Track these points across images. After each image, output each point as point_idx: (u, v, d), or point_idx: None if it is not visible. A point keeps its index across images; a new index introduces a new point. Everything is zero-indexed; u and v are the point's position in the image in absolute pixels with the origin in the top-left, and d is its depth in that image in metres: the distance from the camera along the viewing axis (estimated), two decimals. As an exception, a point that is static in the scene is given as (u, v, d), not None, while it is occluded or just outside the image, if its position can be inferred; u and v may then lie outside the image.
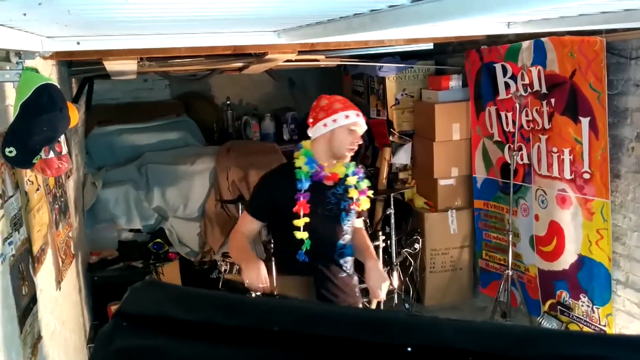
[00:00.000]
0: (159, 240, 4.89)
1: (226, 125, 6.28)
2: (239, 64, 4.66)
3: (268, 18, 1.78)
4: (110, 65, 4.04)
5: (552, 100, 3.77)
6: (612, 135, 3.47)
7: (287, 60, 4.48)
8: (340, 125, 2.47)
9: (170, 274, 4.74)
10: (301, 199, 2.49)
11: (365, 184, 2.68)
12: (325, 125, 2.50)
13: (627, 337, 1.24)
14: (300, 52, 4.22)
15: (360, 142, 2.59)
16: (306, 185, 2.51)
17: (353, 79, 5.99)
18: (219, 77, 5.69)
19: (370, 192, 2.72)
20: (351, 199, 2.61)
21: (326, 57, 4.56)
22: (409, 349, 0.74)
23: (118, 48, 2.23)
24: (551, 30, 2.42)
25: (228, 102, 6.27)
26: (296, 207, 2.48)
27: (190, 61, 4.51)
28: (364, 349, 0.77)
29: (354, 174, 2.64)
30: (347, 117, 2.49)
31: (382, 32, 2.31)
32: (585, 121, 3.53)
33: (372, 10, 1.53)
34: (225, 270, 4.25)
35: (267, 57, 4.04)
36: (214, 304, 0.91)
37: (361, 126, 2.58)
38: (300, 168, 2.54)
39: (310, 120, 2.61)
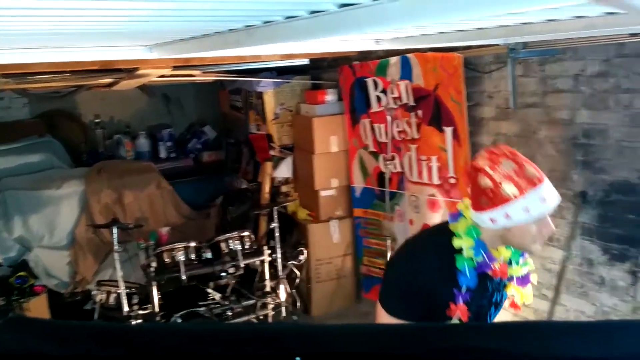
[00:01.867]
0: (22, 273, 4.44)
1: (96, 145, 5.89)
2: (108, 80, 4.41)
3: (138, 32, 1.70)
4: (-46, 81, 3.61)
5: (419, 112, 4.04)
6: (472, 143, 3.80)
7: (161, 76, 4.33)
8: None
9: (37, 309, 4.31)
10: (460, 300, 1.72)
11: (527, 268, 1.91)
12: (527, 210, 1.64)
13: (500, 325, 1.33)
14: (174, 68, 4.10)
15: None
16: (472, 282, 1.72)
17: (231, 94, 5.94)
18: (86, 94, 5.33)
19: (534, 279, 1.94)
20: (505, 291, 1.90)
21: (202, 72, 4.48)
22: (298, 358, 0.74)
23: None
24: (415, 47, 2.61)
25: (97, 120, 5.90)
26: (452, 310, 1.72)
27: (53, 77, 4.17)
28: None
29: (518, 262, 1.86)
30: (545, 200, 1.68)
31: (258, 47, 2.32)
32: (448, 130, 3.83)
33: (247, 26, 1.54)
34: (101, 300, 3.96)
35: (138, 72, 3.87)
36: (90, 334, 0.84)
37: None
38: (461, 252, 1.75)
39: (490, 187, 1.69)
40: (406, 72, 4.07)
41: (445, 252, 1.75)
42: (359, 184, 4.89)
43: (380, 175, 4.61)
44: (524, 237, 1.69)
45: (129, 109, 6.18)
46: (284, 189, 5.37)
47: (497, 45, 3.24)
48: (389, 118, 4.29)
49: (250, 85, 5.14)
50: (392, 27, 1.07)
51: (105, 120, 6.05)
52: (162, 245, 4.17)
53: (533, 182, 1.66)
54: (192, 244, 4.04)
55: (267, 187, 5.23)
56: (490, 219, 1.71)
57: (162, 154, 6.06)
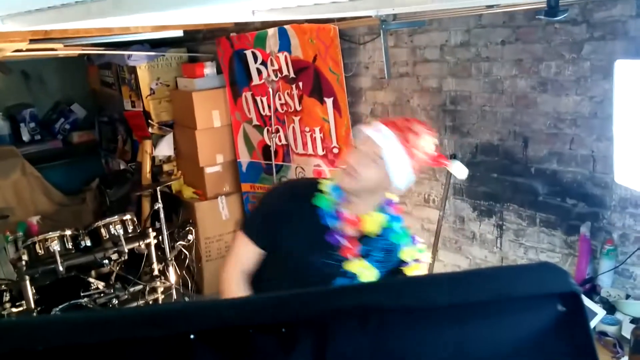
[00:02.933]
0: None
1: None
2: (-49, 56, 3.89)
3: None
4: None
5: (300, 84, 4.07)
6: (352, 113, 3.91)
7: (17, 50, 3.90)
8: None
9: None
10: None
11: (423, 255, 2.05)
12: None
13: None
14: (32, 41, 3.72)
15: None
16: (331, 220, 1.86)
17: (100, 69, 5.54)
18: None
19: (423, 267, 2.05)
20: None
21: (65, 46, 4.11)
22: (192, 336, 0.73)
23: None
24: (292, 17, 2.60)
25: (-58, 102, 5.21)
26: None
27: None
28: (148, 345, 0.73)
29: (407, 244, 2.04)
30: None
31: (126, 18, 2.17)
32: (329, 101, 3.91)
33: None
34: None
35: (-11, 47, 3.46)
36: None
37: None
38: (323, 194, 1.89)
39: None
40: (284, 43, 4.06)
41: (308, 191, 1.85)
42: (244, 158, 4.85)
43: (266, 149, 4.61)
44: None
45: (-20, 89, 5.52)
46: (166, 167, 5.17)
47: (370, 17, 3.34)
48: (270, 90, 4.27)
49: (122, 59, 4.83)
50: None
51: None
52: (33, 236, 3.84)
53: None
54: (68, 232, 3.76)
55: (147, 167, 4.99)
56: None
57: (25, 136, 5.52)
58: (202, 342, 0.74)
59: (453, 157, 3.41)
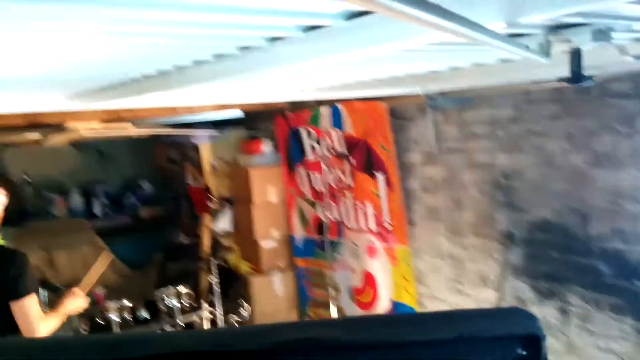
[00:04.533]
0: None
1: (25, 204, 5.64)
2: (36, 136, 4.29)
3: (59, 80, 1.68)
4: None
5: (352, 160, 4.14)
6: (403, 188, 3.91)
7: (93, 130, 4.26)
8: None
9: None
10: None
11: None
12: None
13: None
14: (106, 121, 4.06)
15: None
16: None
17: (167, 148, 5.90)
18: (13, 151, 5.15)
19: None
20: None
21: (135, 126, 4.44)
22: None
23: None
24: (339, 96, 2.71)
25: (26, 178, 5.68)
26: None
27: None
28: None
29: None
30: None
31: (186, 92, 2.34)
32: (380, 177, 3.94)
33: (160, 72, 1.55)
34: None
35: (66, 126, 3.80)
36: None
37: None
38: None
39: None
40: (337, 121, 4.19)
41: None
42: (299, 233, 4.90)
43: (320, 224, 4.64)
44: None
45: (60, 166, 5.99)
46: (224, 242, 5.29)
47: (418, 95, 3.41)
48: (324, 166, 4.37)
49: (186, 138, 5.13)
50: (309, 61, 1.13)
51: (36, 178, 5.83)
52: (96, 307, 3.99)
53: None
54: (127, 304, 3.88)
55: (206, 241, 5.14)
56: None
57: (97, 211, 5.87)
58: None
59: (508, 234, 3.28)
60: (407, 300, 3.95)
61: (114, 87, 1.76)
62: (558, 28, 1.09)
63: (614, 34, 1.08)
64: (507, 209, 3.30)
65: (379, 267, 4.13)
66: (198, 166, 5.26)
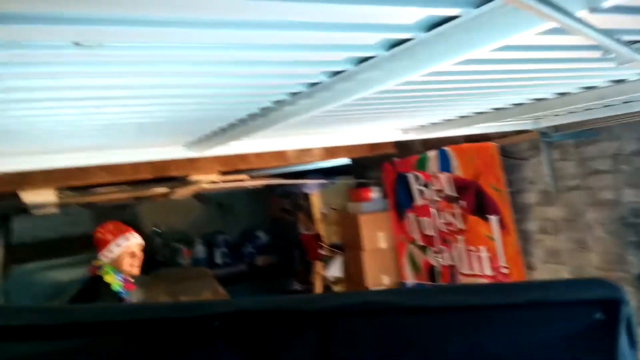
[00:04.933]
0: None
1: (155, 254, 6.15)
2: (164, 190, 4.72)
3: (175, 124, 1.86)
4: (27, 197, 3.99)
5: (463, 202, 4.03)
6: (520, 230, 3.71)
7: (213, 183, 4.60)
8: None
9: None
10: None
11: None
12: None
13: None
14: (223, 173, 4.37)
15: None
16: (125, 293, 2.65)
17: (281, 198, 6.16)
18: (145, 205, 5.70)
19: None
20: None
21: (250, 177, 4.73)
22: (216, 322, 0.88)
23: (25, 168, 2.24)
24: (441, 134, 2.70)
25: (156, 230, 6.22)
26: None
27: (112, 189, 4.53)
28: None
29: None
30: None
31: (276, 130, 2.47)
32: (494, 219, 3.78)
33: (261, 108, 1.67)
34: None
35: (189, 179, 4.14)
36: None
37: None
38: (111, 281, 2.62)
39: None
40: (445, 164, 4.13)
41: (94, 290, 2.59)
42: (410, 279, 4.80)
43: (432, 269, 4.52)
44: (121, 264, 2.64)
45: (185, 218, 6.50)
46: (336, 288, 5.33)
47: (529, 131, 3.29)
48: (433, 210, 4.30)
49: (298, 187, 5.34)
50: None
51: (164, 229, 6.37)
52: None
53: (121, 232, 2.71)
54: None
55: (318, 287, 5.21)
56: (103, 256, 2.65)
57: (218, 259, 6.23)
58: (224, 328, 0.88)
59: (642, 276, 2.96)
60: (530, 352, 3.65)
61: (224, 130, 1.93)
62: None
63: None
64: (638, 248, 3.00)
65: (497, 316, 3.89)
66: (309, 214, 5.42)
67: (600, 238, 3.22)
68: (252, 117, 1.72)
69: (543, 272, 3.64)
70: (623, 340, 0.87)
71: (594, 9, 0.79)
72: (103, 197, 4.72)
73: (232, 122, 1.86)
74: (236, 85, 1.32)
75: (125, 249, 2.67)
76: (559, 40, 1.10)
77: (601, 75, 1.64)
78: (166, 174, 3.95)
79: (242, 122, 1.79)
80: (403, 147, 4.64)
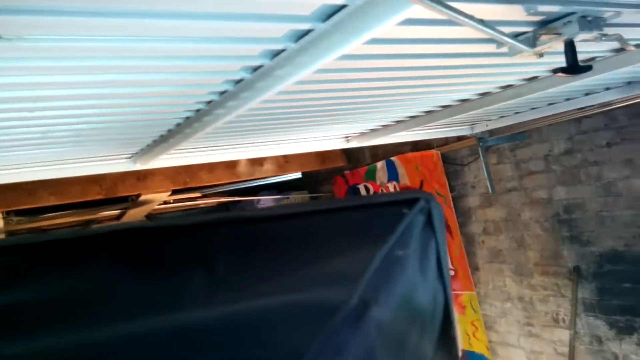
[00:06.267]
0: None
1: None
2: (116, 212, 4.67)
3: (107, 133, 1.88)
4: (-29, 223, 3.89)
5: (410, 210, 4.16)
6: (464, 233, 3.86)
7: (166, 203, 4.59)
8: None
9: None
10: None
11: None
12: None
13: None
14: (174, 192, 4.37)
15: None
16: None
17: (236, 217, 6.18)
18: (96, 228, 5.59)
19: None
20: None
21: (202, 196, 4.74)
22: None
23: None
24: (382, 141, 2.81)
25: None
26: None
27: (61, 214, 4.45)
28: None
29: None
30: None
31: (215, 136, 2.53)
32: (439, 224, 3.92)
33: (196, 111, 1.73)
34: None
35: (141, 199, 4.13)
36: None
37: None
38: None
39: None
40: (392, 173, 4.27)
41: None
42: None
43: (384, 279, 4.61)
44: None
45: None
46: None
47: (468, 137, 3.46)
48: (383, 220, 4.42)
49: (252, 204, 5.37)
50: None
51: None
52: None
53: None
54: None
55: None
56: None
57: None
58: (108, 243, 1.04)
59: (577, 269, 3.14)
60: (479, 348, 3.78)
61: (163, 137, 1.97)
62: (547, 23, 1.16)
63: (606, 28, 1.13)
64: (572, 243, 3.18)
65: (448, 318, 4.01)
66: (264, 231, 5.45)
67: (537, 235, 3.39)
68: (188, 121, 1.78)
69: (487, 271, 3.79)
70: (418, 225, 1.16)
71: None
72: (52, 222, 4.62)
73: (169, 129, 1.91)
74: (164, 82, 1.38)
75: None
76: (451, 33, 1.21)
77: (512, 72, 1.79)
78: (116, 195, 3.93)
79: (179, 127, 1.84)
80: (352, 160, 4.77)
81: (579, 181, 3.11)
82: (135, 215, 4.93)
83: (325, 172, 5.20)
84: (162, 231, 1.11)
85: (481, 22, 0.95)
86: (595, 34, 1.19)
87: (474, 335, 3.81)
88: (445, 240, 1.22)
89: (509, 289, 3.63)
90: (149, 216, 5.43)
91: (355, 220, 1.16)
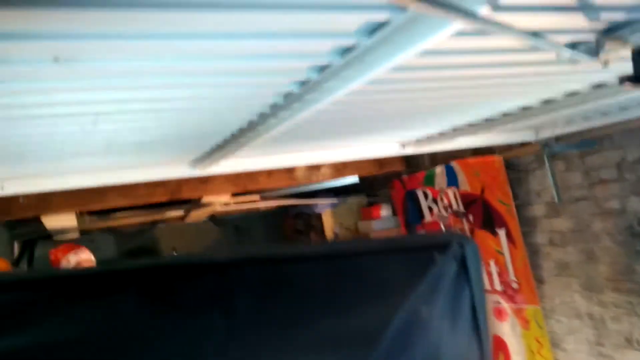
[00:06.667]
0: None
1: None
2: (179, 212, 4.84)
3: (167, 140, 1.95)
4: (49, 222, 4.14)
5: (470, 217, 4.04)
6: (528, 243, 3.69)
7: (226, 205, 4.70)
8: None
9: None
10: None
11: None
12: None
13: None
14: (235, 195, 4.47)
15: None
16: None
17: (294, 219, 6.23)
18: (164, 229, 5.81)
19: None
20: None
21: (262, 198, 4.82)
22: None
23: (43, 189, 2.36)
24: (441, 149, 2.74)
25: (175, 253, 6.32)
26: None
27: (129, 214, 4.66)
28: None
29: None
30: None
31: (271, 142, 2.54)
32: (502, 233, 3.78)
33: (249, 122, 1.75)
34: None
35: (203, 201, 4.25)
36: None
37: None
38: None
39: None
40: (452, 179, 4.16)
41: None
42: (423, 297, 4.77)
43: (443, 287, 4.50)
44: None
45: (203, 241, 6.60)
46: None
47: (532, 143, 3.31)
48: (442, 226, 4.31)
49: (309, 208, 5.40)
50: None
51: (183, 252, 6.47)
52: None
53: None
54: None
55: (331, 307, 5.22)
56: None
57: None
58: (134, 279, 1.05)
59: None
60: (543, 366, 3.60)
61: (224, 144, 2.01)
62: (612, 30, 1.08)
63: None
64: (647, 258, 2.97)
65: (509, 330, 3.86)
66: (322, 234, 5.47)
67: (608, 248, 3.19)
68: (249, 126, 1.80)
69: (553, 284, 3.61)
70: (449, 273, 1.10)
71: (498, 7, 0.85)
72: (120, 222, 4.85)
73: (229, 135, 1.94)
74: (221, 97, 1.41)
75: (76, 264, 2.87)
76: (506, 43, 1.15)
77: (577, 79, 1.68)
78: (180, 197, 4.06)
79: (240, 132, 1.87)
80: (411, 164, 4.68)
81: (655, 191, 2.90)
82: (198, 216, 5.09)
83: (383, 177, 5.14)
84: (187, 269, 1.10)
85: (534, 35, 0.90)
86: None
87: (539, 353, 3.64)
88: (482, 288, 1.14)
89: (577, 304, 3.43)
90: (212, 218, 5.59)
91: (382, 266, 1.11)
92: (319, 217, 5.41)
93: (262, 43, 1.04)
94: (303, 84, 1.32)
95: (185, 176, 2.49)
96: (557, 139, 3.18)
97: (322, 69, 1.20)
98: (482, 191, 3.88)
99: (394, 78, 1.35)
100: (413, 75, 1.37)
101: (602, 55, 1.10)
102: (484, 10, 0.79)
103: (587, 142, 3.16)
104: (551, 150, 3.23)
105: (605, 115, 2.65)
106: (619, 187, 3.10)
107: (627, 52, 1.13)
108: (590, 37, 1.12)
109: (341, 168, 4.38)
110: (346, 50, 1.09)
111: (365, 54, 1.02)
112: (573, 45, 1.09)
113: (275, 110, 1.56)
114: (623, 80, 1.11)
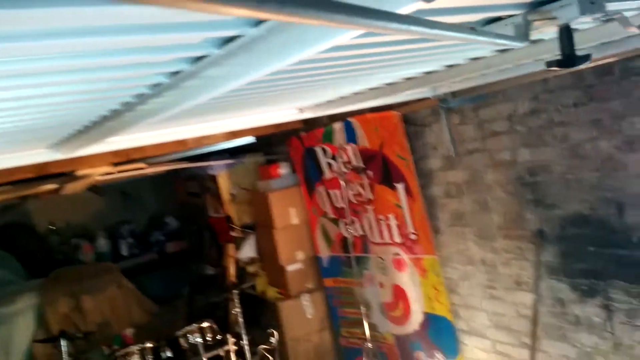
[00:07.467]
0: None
1: (52, 253, 5.68)
2: (52, 186, 4.30)
3: (31, 132, 1.62)
4: None
5: (370, 173, 4.00)
6: (425, 196, 3.74)
7: (107, 174, 4.24)
8: None
9: None
10: None
11: None
12: None
13: None
14: (117, 164, 4.03)
15: None
16: None
17: (186, 182, 5.87)
18: (37, 202, 5.20)
19: None
20: None
21: (149, 165, 4.41)
22: None
23: None
24: (338, 111, 2.59)
25: (52, 227, 5.73)
26: None
27: (-5, 190, 4.05)
28: None
29: None
30: None
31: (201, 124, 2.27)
32: (400, 187, 3.78)
33: (111, 111, 1.47)
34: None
35: (77, 174, 3.78)
36: None
37: None
38: None
39: None
40: (351, 135, 4.07)
41: None
42: (324, 253, 4.76)
43: (344, 241, 4.50)
44: None
45: (84, 211, 6.04)
46: (250, 269, 5.20)
47: (430, 98, 3.26)
48: (342, 183, 4.24)
49: (203, 170, 5.08)
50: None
51: (61, 225, 5.88)
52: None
53: None
54: (148, 345, 3.79)
55: (232, 270, 5.05)
56: None
57: (124, 251, 5.88)
58: None
59: (540, 233, 3.08)
60: (441, 311, 3.75)
61: (91, 128, 1.69)
62: (539, 5, 0.95)
63: (608, 4, 0.93)
64: (536, 206, 3.10)
65: (408, 280, 3.96)
66: (218, 196, 5.20)
67: (501, 198, 3.30)
68: (116, 112, 1.50)
69: (449, 234, 3.71)
70: None
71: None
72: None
73: (98, 119, 1.62)
74: (84, 91, 1.12)
75: None
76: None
77: (485, 47, 1.58)
78: (48, 172, 3.57)
79: (104, 119, 1.56)
80: (308, 122, 4.51)
81: (543, 143, 2.99)
82: (75, 188, 4.57)
83: (281, 134, 4.93)
84: None
85: (472, 30, 0.73)
86: (597, 16, 0.99)
87: (436, 299, 3.77)
88: None
89: (471, 252, 3.57)
90: (94, 187, 5.08)
91: None
92: (213, 178, 5.12)
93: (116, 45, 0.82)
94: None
95: (45, 160, 2.11)
96: (454, 94, 3.15)
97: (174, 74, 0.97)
98: (381, 146, 3.84)
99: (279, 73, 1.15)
100: (302, 66, 1.17)
101: (531, 35, 0.97)
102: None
103: (481, 96, 3.17)
104: (447, 105, 3.21)
105: (502, 72, 2.63)
106: (510, 139, 3.17)
107: (553, 30, 1.01)
108: (516, 13, 0.99)
109: (236, 131, 4.09)
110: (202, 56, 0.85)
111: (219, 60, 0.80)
112: (496, 19, 0.94)
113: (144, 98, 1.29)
114: (551, 64, 1.00)
